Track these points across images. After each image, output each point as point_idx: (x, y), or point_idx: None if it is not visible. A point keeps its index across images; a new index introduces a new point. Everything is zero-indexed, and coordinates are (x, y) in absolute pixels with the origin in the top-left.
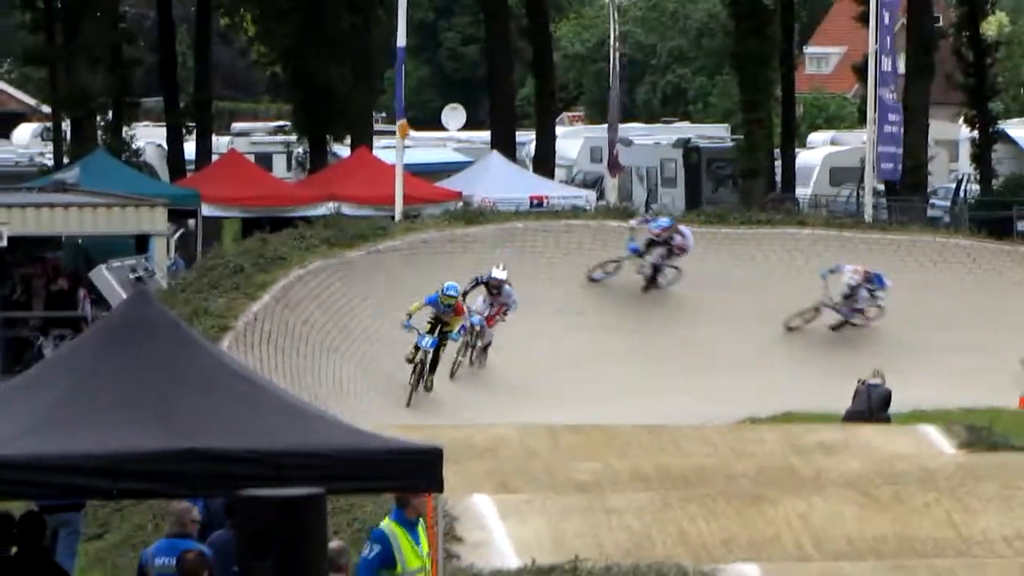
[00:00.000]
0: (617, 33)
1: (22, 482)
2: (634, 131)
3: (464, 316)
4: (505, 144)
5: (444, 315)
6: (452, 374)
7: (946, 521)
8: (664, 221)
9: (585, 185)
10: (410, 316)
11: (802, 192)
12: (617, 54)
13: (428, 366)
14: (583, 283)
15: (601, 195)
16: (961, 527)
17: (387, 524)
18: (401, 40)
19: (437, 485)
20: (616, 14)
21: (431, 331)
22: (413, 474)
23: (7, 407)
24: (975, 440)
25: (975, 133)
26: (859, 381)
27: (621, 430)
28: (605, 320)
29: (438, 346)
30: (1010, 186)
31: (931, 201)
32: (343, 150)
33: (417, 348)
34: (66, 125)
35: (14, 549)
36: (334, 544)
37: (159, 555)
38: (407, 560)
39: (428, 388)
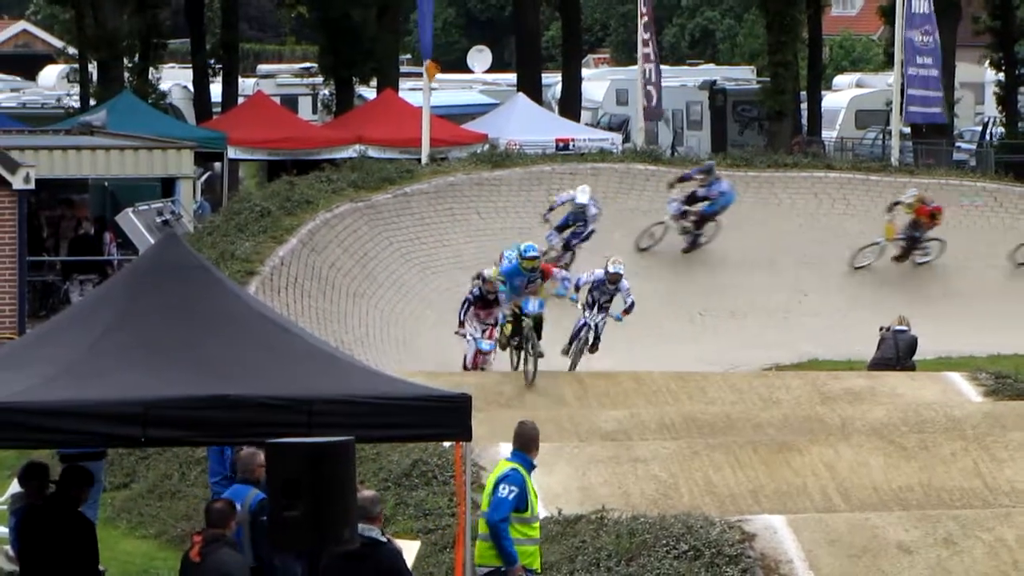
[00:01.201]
0: None
1: (50, 429)
2: (665, 74)
3: (556, 277)
4: (531, 86)
5: (529, 288)
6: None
7: (973, 470)
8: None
9: (611, 128)
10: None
11: (828, 135)
12: None
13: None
14: (611, 227)
15: (627, 138)
16: (987, 476)
17: (518, 468)
18: None
19: (466, 433)
20: None
21: (514, 326)
22: (442, 422)
23: (35, 353)
24: (1002, 388)
25: (1001, 75)
26: (881, 328)
27: (649, 377)
28: (634, 265)
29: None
30: None
31: (957, 144)
32: (369, 92)
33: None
34: (92, 67)
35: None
36: (368, 494)
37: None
38: (534, 505)
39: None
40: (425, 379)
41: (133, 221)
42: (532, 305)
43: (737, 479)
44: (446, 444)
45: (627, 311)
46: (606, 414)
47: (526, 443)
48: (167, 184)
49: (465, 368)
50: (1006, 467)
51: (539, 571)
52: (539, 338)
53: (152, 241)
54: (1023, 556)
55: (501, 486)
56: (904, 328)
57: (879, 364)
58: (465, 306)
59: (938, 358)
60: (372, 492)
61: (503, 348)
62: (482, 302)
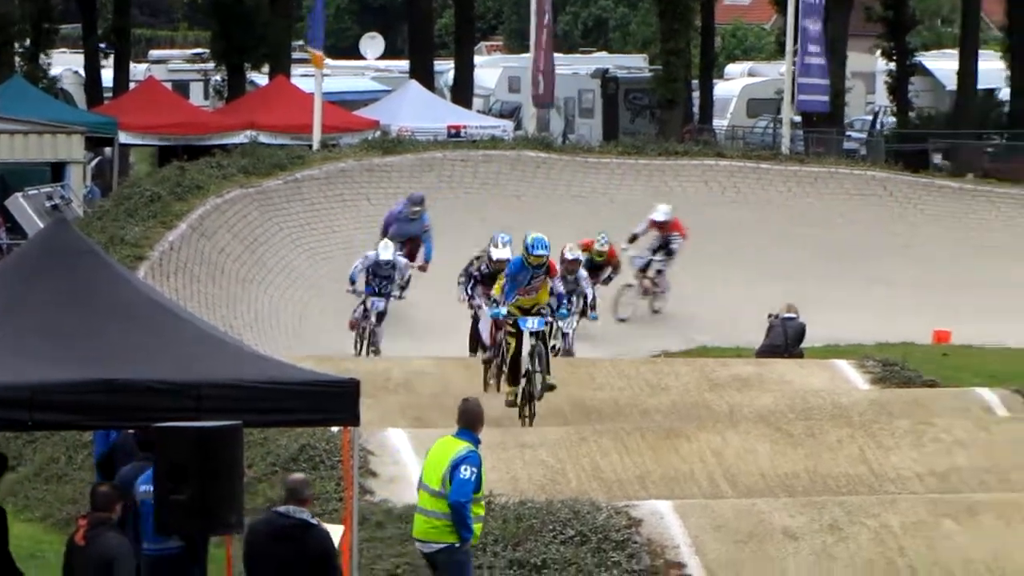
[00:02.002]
0: None
1: None
2: (557, 61)
3: (556, 280)
4: (423, 73)
5: (532, 284)
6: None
7: (859, 457)
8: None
9: (503, 115)
10: (497, 302)
11: (719, 123)
12: None
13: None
14: (501, 216)
15: (518, 125)
16: (873, 463)
17: (475, 449)
18: None
19: (353, 418)
20: None
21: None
22: (330, 407)
23: None
24: (889, 375)
25: (892, 65)
26: (770, 315)
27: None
28: (518, 247)
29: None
30: (926, 118)
31: (847, 133)
32: (261, 78)
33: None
34: None
35: None
36: (298, 476)
37: (143, 483)
38: (484, 483)
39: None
40: (314, 364)
41: (22, 205)
42: (531, 323)
43: (624, 465)
44: (334, 429)
45: (592, 306)
46: (493, 400)
47: (472, 421)
48: (57, 169)
49: (482, 347)
50: (892, 454)
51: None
52: (548, 361)
53: (41, 225)
54: (908, 542)
55: (463, 467)
56: (793, 316)
57: (767, 351)
58: (471, 283)
59: (826, 345)
60: (302, 475)
61: (507, 404)
62: (491, 280)
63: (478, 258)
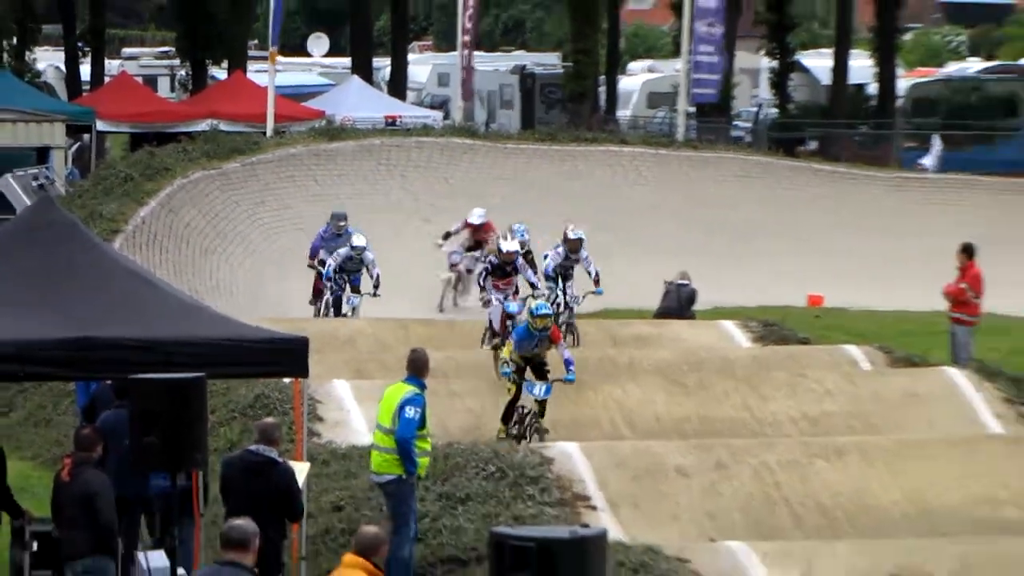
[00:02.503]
0: None
1: None
2: (477, 59)
3: (561, 346)
4: (363, 69)
5: (536, 349)
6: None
7: (742, 405)
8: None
9: (433, 107)
10: (507, 362)
11: (623, 114)
12: None
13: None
14: (432, 196)
15: (447, 115)
16: (755, 410)
17: (419, 392)
18: None
19: (303, 371)
20: None
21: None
22: (282, 361)
23: None
24: (768, 334)
25: (774, 63)
26: (666, 282)
27: (463, 325)
28: (449, 224)
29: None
30: (803, 110)
31: (735, 123)
32: (221, 73)
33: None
34: None
35: None
36: (269, 420)
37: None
38: (427, 422)
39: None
40: (269, 324)
41: (12, 185)
42: (538, 390)
43: None
44: (286, 380)
45: (597, 280)
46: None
47: (419, 368)
48: (42, 153)
49: (492, 334)
50: (770, 402)
51: (422, 476)
52: (542, 417)
53: (28, 203)
54: (784, 478)
55: (407, 408)
56: (686, 282)
57: (663, 313)
58: (483, 274)
59: (714, 308)
60: (273, 419)
61: (504, 433)
62: (500, 272)
63: (486, 254)
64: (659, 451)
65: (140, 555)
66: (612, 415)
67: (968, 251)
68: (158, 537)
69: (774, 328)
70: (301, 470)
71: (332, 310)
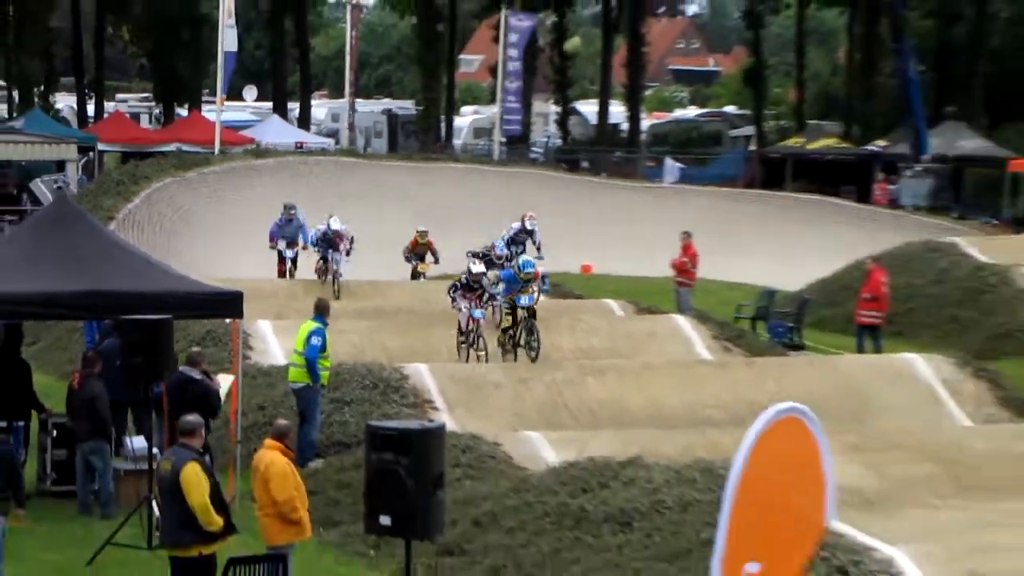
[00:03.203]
0: (352, 43)
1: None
2: (358, 103)
3: (539, 278)
4: (281, 110)
5: (521, 288)
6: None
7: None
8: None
9: (328, 136)
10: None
11: (457, 142)
12: (350, 58)
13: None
14: (329, 197)
15: (337, 142)
16: (546, 343)
17: (321, 326)
18: (231, 46)
19: (239, 314)
20: (352, 34)
21: (512, 318)
22: (226, 307)
23: None
24: (555, 292)
25: (559, 109)
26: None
27: (358, 284)
28: (343, 217)
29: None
30: (578, 141)
31: (532, 149)
32: (183, 111)
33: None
34: (14, 92)
35: None
36: (195, 349)
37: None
38: (329, 347)
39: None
40: (221, 283)
41: (40, 186)
42: (524, 299)
43: (402, 344)
44: (228, 320)
45: (539, 248)
46: (330, 304)
47: (322, 311)
48: (60, 165)
49: (461, 331)
50: (557, 339)
51: (326, 384)
52: (535, 322)
53: (51, 199)
54: (566, 390)
55: (313, 337)
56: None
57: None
58: (453, 290)
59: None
60: (198, 348)
61: (500, 346)
62: (467, 288)
63: (465, 273)
64: (482, 371)
65: (127, 440)
66: (449, 346)
67: (687, 236)
68: (139, 428)
69: (559, 287)
70: (226, 381)
71: (323, 264)
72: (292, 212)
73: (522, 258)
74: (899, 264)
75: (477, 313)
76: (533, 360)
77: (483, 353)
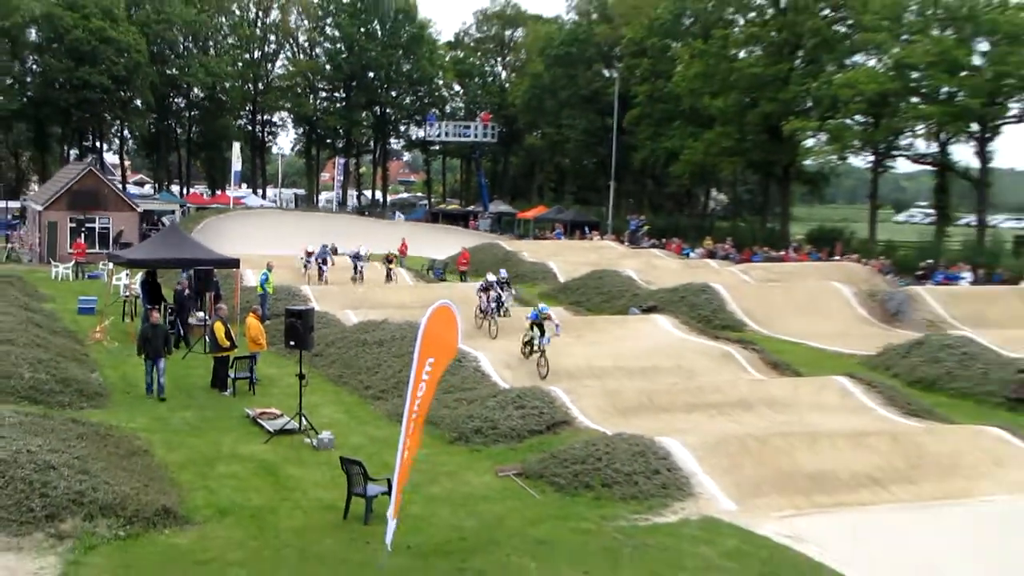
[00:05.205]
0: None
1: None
2: (284, 191)
3: (552, 319)
4: (256, 192)
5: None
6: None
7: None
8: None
9: (273, 203)
10: (527, 331)
11: (323, 205)
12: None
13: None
14: (280, 230)
15: (279, 206)
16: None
17: (268, 272)
18: (237, 167)
19: (238, 266)
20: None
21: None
22: (232, 263)
23: None
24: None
25: (356, 192)
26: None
27: (261, 258)
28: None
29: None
30: (362, 204)
31: (340, 205)
32: (218, 192)
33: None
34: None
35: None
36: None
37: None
38: (272, 279)
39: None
40: (235, 255)
41: (164, 220)
42: (545, 340)
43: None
44: (234, 269)
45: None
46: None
47: (269, 268)
48: (172, 212)
49: (480, 310)
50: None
51: (272, 292)
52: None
53: (168, 224)
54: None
55: (263, 275)
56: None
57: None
58: (478, 291)
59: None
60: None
61: (522, 351)
62: (485, 290)
63: (482, 288)
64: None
65: (196, 312)
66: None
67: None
68: (200, 308)
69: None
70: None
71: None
72: (325, 247)
73: (541, 304)
74: (482, 250)
75: (487, 300)
76: (543, 377)
77: (494, 325)
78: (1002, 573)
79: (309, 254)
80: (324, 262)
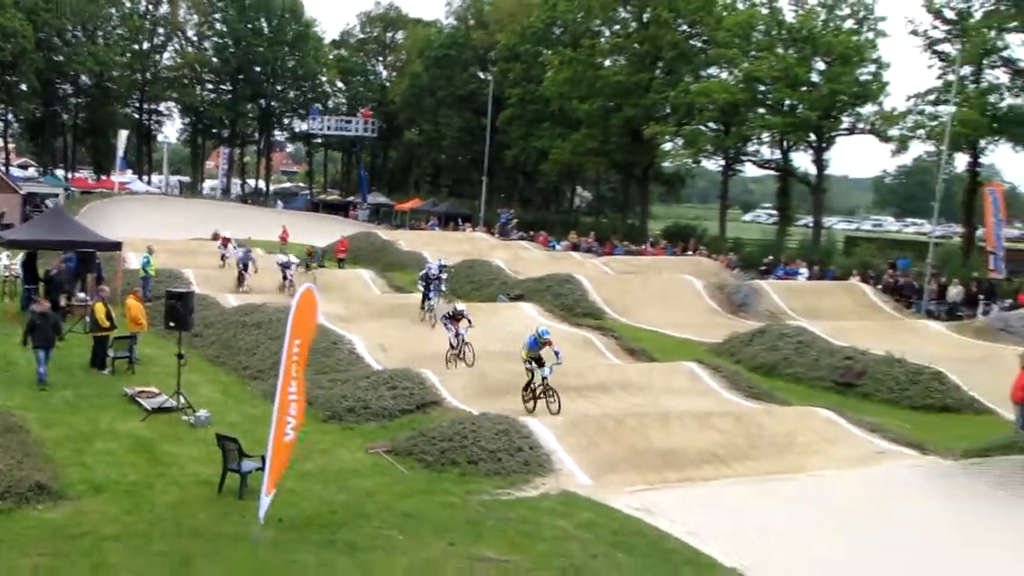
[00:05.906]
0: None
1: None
2: (171, 177)
3: (552, 346)
4: (142, 178)
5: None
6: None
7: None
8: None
9: (158, 189)
10: (526, 360)
11: (207, 192)
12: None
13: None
14: (162, 214)
15: (164, 191)
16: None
17: (147, 255)
18: (122, 152)
19: (120, 248)
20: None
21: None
22: (114, 246)
23: None
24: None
25: (240, 181)
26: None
27: (210, 244)
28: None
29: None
30: (246, 192)
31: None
32: (103, 176)
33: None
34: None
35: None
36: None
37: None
38: (153, 262)
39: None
40: (117, 239)
41: (48, 202)
42: (546, 371)
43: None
44: (116, 252)
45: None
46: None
47: (150, 251)
48: (57, 195)
49: (451, 347)
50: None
51: (155, 275)
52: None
53: (52, 206)
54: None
55: (144, 259)
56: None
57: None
58: (445, 318)
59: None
60: (99, 261)
61: (523, 400)
62: (452, 319)
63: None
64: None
65: (79, 293)
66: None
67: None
68: (82, 290)
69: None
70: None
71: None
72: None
73: (540, 327)
74: (360, 238)
75: (462, 330)
76: (555, 413)
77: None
78: (830, 538)
79: (225, 241)
80: (246, 267)
